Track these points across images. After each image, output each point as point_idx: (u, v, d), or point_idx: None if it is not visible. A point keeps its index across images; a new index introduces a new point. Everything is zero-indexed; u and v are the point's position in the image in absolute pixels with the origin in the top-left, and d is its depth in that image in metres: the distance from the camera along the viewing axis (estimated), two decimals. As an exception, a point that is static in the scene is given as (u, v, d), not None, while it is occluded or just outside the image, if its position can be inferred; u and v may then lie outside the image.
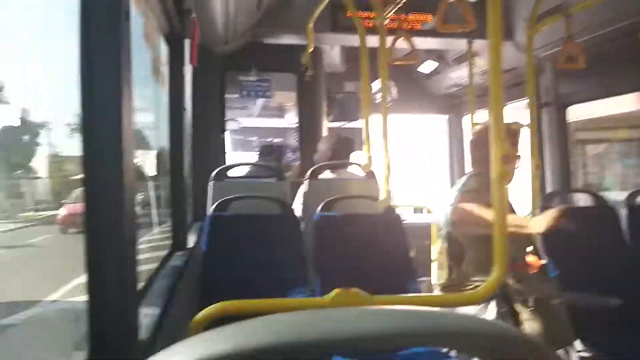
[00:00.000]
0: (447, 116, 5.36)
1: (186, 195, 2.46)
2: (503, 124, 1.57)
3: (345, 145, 3.28)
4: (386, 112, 2.55)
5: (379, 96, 4.26)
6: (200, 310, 1.55)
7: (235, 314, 1.54)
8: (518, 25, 3.59)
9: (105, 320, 1.00)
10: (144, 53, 1.62)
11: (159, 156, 2.71)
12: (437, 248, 2.40)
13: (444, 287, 2.31)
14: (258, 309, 1.58)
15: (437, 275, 2.39)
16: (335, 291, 1.53)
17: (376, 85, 3.92)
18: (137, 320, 1.11)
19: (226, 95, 4.05)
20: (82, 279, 1.01)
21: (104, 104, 0.93)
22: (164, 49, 2.20)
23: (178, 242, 2.43)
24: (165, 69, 2.17)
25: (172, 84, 2.18)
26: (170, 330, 1.58)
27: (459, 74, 4.47)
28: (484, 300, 1.67)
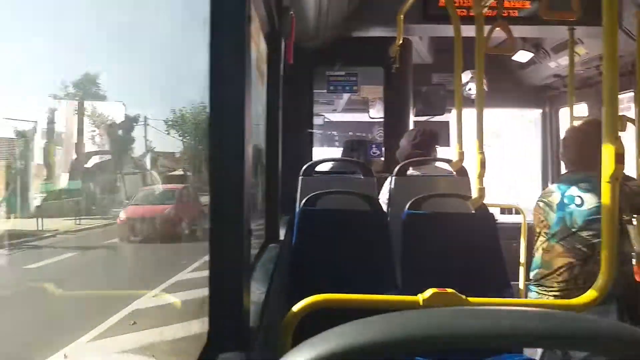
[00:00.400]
0: (540, 110, 5.06)
1: (279, 190, 2.54)
2: (618, 118, 1.46)
3: (427, 139, 3.19)
4: (482, 105, 2.46)
5: (466, 88, 4.15)
6: (290, 300, 1.60)
7: (329, 307, 1.57)
8: (627, 11, 3.30)
9: (223, 313, 1.07)
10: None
11: (255, 152, 2.82)
12: (541, 249, 2.26)
13: (562, 290, 2.16)
14: (354, 303, 1.60)
15: (536, 275, 2.27)
16: (432, 291, 1.52)
17: (466, 76, 3.79)
18: (249, 309, 1.17)
19: (314, 91, 4.11)
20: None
21: (230, 100, 0.99)
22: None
23: (271, 235, 2.52)
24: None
25: (269, 82, 2.25)
26: (270, 319, 1.64)
27: (556, 64, 4.20)
28: (592, 305, 1.57)
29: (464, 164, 2.89)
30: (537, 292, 2.24)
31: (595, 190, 2.00)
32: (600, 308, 1.89)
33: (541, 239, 2.27)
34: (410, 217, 2.52)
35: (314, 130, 4.32)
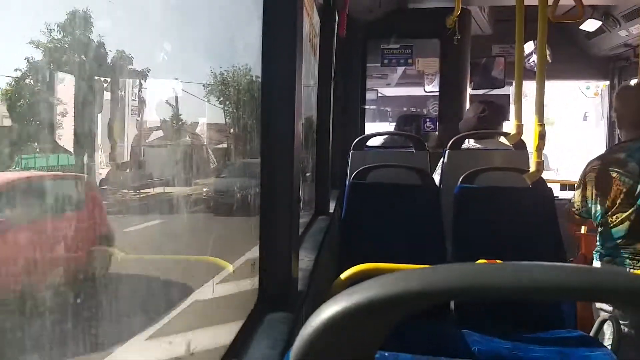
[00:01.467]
0: (607, 82, 4.75)
1: (329, 163, 2.56)
2: None
3: (494, 113, 3.09)
4: (543, 76, 2.35)
5: (530, 60, 3.96)
6: (339, 269, 1.64)
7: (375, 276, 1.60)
8: None
9: (273, 275, 1.12)
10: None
11: (306, 124, 2.84)
12: (628, 221, 2.17)
13: None
14: None
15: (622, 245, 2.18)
16: (481, 262, 1.51)
17: (528, 47, 3.61)
18: (297, 274, 1.22)
19: (367, 64, 4.07)
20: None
21: (281, 72, 1.02)
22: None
23: (321, 207, 2.56)
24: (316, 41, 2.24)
25: (322, 55, 2.25)
26: (318, 285, 1.69)
27: (627, 33, 3.92)
28: None
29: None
30: (629, 260, 2.16)
31: None
32: None
33: (622, 209, 2.16)
34: (463, 191, 2.48)
35: (367, 106, 4.29)
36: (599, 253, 2.28)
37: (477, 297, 0.45)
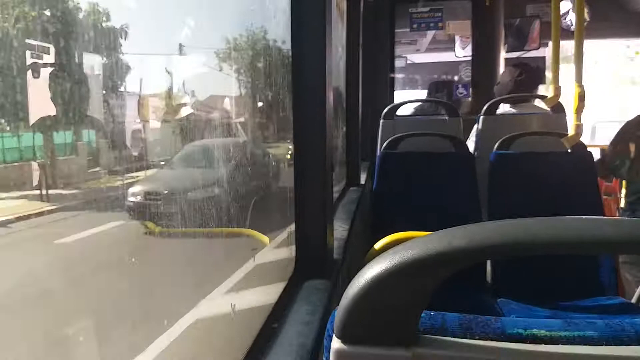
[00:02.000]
0: None
1: (359, 133, 2.53)
2: None
3: (532, 76, 2.97)
4: (582, 35, 2.23)
5: (566, 19, 3.77)
6: (372, 239, 1.64)
7: None
8: None
9: (309, 244, 1.12)
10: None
11: (335, 94, 2.80)
12: None
13: None
14: None
15: None
16: None
17: (565, 5, 3.44)
18: (332, 243, 1.22)
19: (395, 30, 3.96)
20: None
21: (311, 39, 1.00)
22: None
23: (352, 178, 2.55)
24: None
25: (349, 21, 2.19)
26: (353, 254, 1.70)
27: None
28: None
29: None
30: None
31: None
32: None
33: None
34: (499, 157, 2.41)
35: (395, 75, 4.20)
36: (621, 209, 2.44)
37: (523, 252, 0.43)
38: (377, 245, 1.80)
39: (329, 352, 0.47)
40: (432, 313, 0.47)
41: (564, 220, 0.43)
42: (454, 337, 0.46)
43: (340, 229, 1.64)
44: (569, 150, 2.37)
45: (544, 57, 4.37)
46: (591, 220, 0.43)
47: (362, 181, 2.70)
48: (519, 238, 0.42)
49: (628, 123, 2.51)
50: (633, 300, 1.92)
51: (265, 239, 1.89)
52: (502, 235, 0.42)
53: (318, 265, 1.14)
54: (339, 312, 0.45)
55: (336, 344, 0.46)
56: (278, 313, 0.92)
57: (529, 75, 2.96)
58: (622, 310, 1.90)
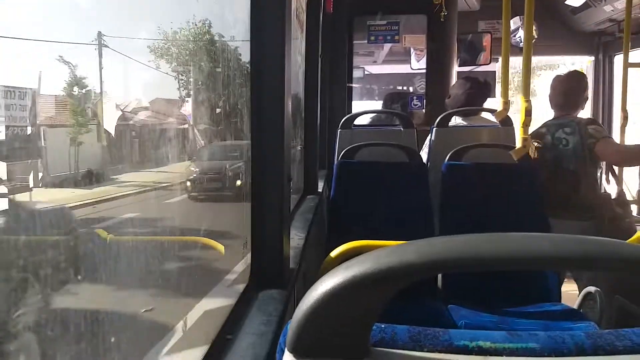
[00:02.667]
0: (592, 58, 4.78)
1: (317, 142, 2.55)
2: None
3: (482, 90, 3.09)
4: (530, 51, 2.35)
5: (516, 36, 3.95)
6: (328, 248, 1.65)
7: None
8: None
9: (265, 253, 1.12)
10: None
11: (294, 102, 2.81)
12: None
13: None
14: None
15: None
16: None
17: (514, 23, 3.60)
18: (289, 252, 1.23)
19: (353, 42, 4.03)
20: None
21: (270, 49, 1.01)
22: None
23: (309, 187, 2.56)
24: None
25: (309, 31, 2.22)
26: (309, 263, 1.70)
27: (612, 8, 3.92)
28: None
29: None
30: None
31: None
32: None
33: None
34: (450, 167, 2.49)
35: (353, 85, 4.26)
36: None
37: (471, 268, 0.45)
38: (334, 254, 1.82)
39: None
40: (382, 326, 0.49)
41: (509, 237, 0.46)
42: (404, 349, 0.47)
43: (296, 238, 1.65)
44: (517, 162, 2.48)
45: (494, 72, 4.55)
46: (535, 237, 0.45)
47: (320, 189, 2.72)
48: (467, 254, 0.44)
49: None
50: (575, 306, 2.02)
51: (220, 247, 1.88)
52: (451, 251, 0.44)
53: (274, 274, 1.14)
54: (292, 326, 0.46)
55: (288, 357, 0.46)
56: (232, 323, 0.92)
57: (479, 88, 3.08)
58: (565, 316, 2.00)
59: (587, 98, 2.94)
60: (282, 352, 0.48)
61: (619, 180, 3.05)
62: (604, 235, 0.46)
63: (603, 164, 2.82)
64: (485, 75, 4.15)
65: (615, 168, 3.03)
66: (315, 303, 0.44)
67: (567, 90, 2.82)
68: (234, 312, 0.97)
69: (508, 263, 0.45)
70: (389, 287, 0.44)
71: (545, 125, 2.84)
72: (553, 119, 2.84)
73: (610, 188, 3.05)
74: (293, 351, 0.46)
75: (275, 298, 1.06)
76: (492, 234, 0.47)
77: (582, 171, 2.69)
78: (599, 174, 2.76)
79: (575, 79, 2.90)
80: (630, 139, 3.45)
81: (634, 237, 1.91)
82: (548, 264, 0.46)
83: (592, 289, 1.98)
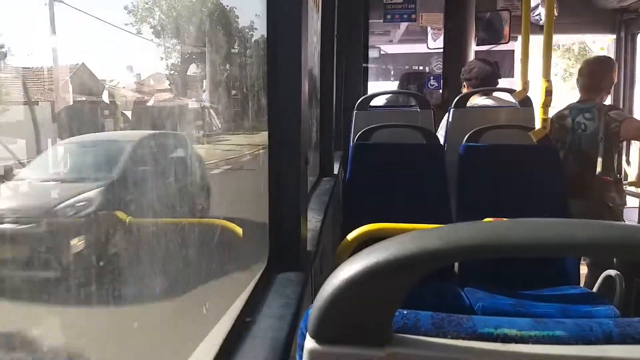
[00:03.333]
0: (614, 36, 4.64)
1: (333, 124, 2.53)
2: None
3: (491, 71, 3.03)
4: (551, 30, 2.28)
5: (535, 14, 3.85)
6: (345, 230, 1.65)
7: (382, 237, 1.61)
8: None
9: (282, 236, 1.12)
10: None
11: (310, 83, 2.79)
12: None
13: None
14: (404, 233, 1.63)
15: None
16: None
17: (533, 0, 3.51)
18: (306, 235, 1.23)
19: (369, 21, 3.97)
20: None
21: (286, 27, 0.99)
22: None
23: (325, 169, 2.55)
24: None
25: (324, 11, 2.18)
26: (326, 245, 1.71)
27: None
28: None
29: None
30: None
31: None
32: None
33: None
34: (468, 149, 2.46)
35: (369, 65, 4.21)
36: None
37: (495, 254, 0.45)
38: (350, 237, 1.82)
39: (302, 350, 0.47)
40: (405, 312, 0.48)
41: (537, 222, 0.45)
42: (426, 336, 0.47)
43: (313, 220, 1.64)
44: (537, 143, 2.43)
45: (512, 51, 4.46)
46: (562, 224, 0.44)
47: (335, 171, 2.71)
48: (491, 240, 0.43)
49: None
50: (594, 290, 2.00)
51: (238, 229, 1.89)
52: (476, 238, 0.43)
53: (292, 257, 1.14)
54: (313, 312, 0.46)
55: (310, 343, 0.46)
56: (251, 306, 0.93)
57: (487, 70, 3.01)
58: (584, 300, 1.98)
59: (614, 81, 2.94)
60: (304, 336, 0.48)
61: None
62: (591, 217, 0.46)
63: (623, 149, 2.96)
64: (504, 55, 4.07)
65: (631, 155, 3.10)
66: (337, 290, 0.44)
67: (592, 73, 2.86)
68: (253, 295, 0.98)
69: (536, 250, 0.44)
70: (412, 273, 0.44)
71: (568, 107, 2.90)
72: (577, 101, 2.89)
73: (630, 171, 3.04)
74: (315, 337, 0.46)
75: (293, 280, 1.06)
76: (518, 220, 0.46)
77: (596, 156, 2.76)
78: (615, 159, 2.80)
79: (601, 62, 2.97)
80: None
81: None
82: (578, 251, 0.45)
83: (612, 272, 1.95)
